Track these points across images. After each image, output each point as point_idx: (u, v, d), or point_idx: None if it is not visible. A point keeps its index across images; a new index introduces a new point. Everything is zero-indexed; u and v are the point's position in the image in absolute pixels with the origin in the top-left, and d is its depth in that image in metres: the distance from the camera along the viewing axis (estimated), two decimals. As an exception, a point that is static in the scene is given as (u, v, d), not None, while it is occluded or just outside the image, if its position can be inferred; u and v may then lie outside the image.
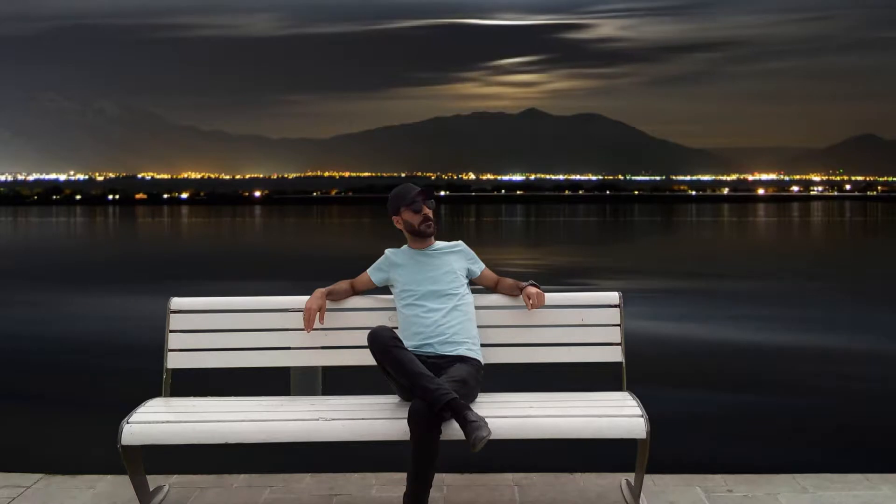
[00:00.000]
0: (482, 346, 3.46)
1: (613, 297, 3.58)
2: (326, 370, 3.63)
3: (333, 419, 3.04)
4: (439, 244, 3.59)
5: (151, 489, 3.36)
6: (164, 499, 3.41)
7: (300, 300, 3.52)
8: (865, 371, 7.18)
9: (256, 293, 3.77)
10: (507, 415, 3.06)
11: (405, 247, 3.61)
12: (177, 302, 3.57)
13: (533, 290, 3.48)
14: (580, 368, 3.61)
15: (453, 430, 2.94)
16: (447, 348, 3.34)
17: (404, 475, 3.02)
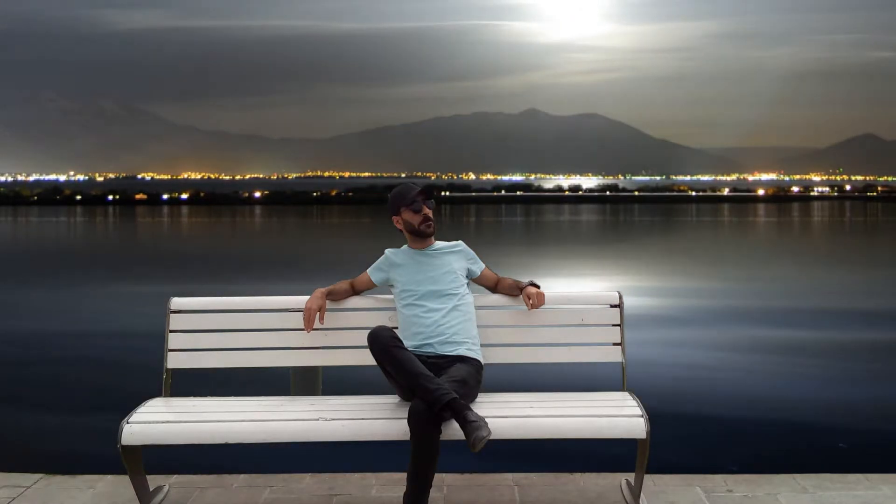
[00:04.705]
0: (482, 346, 3.46)
1: (613, 297, 3.58)
2: (326, 370, 3.64)
3: (333, 419, 3.05)
4: (439, 244, 3.59)
5: (151, 489, 3.36)
6: (164, 499, 3.41)
7: (300, 300, 3.52)
8: (864, 369, 7.18)
9: (256, 293, 3.77)
10: (507, 415, 3.06)
11: (405, 247, 3.61)
12: (177, 302, 3.58)
13: (533, 290, 3.48)
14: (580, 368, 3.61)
15: (453, 430, 2.94)
16: (447, 348, 3.33)
17: (404, 475, 3.02)
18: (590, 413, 3.12)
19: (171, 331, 3.53)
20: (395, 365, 3.08)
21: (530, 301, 3.45)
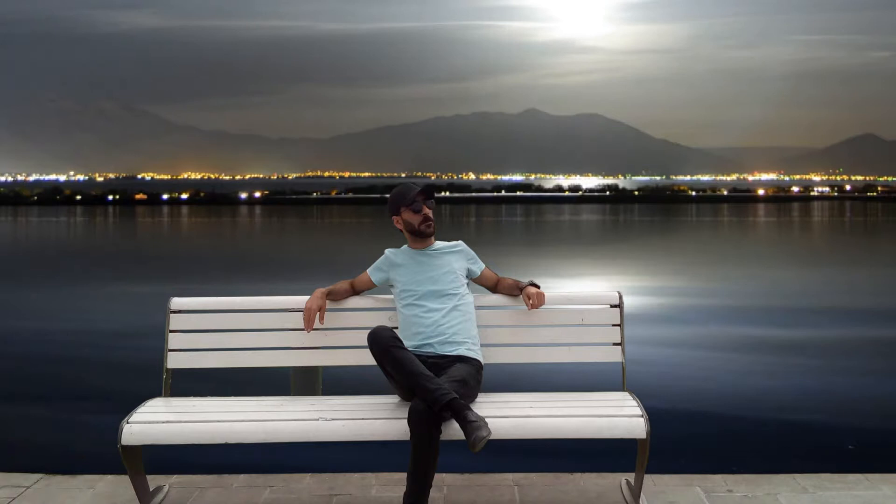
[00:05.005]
0: (482, 346, 3.46)
1: (613, 296, 3.58)
2: (326, 370, 3.64)
3: (333, 419, 3.05)
4: (439, 244, 3.59)
5: (151, 489, 3.36)
6: (164, 499, 3.41)
7: (300, 300, 3.53)
8: (865, 369, 7.18)
9: (256, 293, 3.77)
10: (507, 415, 3.06)
11: (405, 247, 3.61)
12: (177, 302, 3.58)
13: (533, 290, 3.48)
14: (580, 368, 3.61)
15: (453, 430, 2.94)
16: (447, 348, 3.34)
17: (404, 475, 3.02)
18: (590, 413, 3.12)
19: (171, 331, 3.54)
20: (395, 365, 3.08)
21: (530, 301, 3.45)
